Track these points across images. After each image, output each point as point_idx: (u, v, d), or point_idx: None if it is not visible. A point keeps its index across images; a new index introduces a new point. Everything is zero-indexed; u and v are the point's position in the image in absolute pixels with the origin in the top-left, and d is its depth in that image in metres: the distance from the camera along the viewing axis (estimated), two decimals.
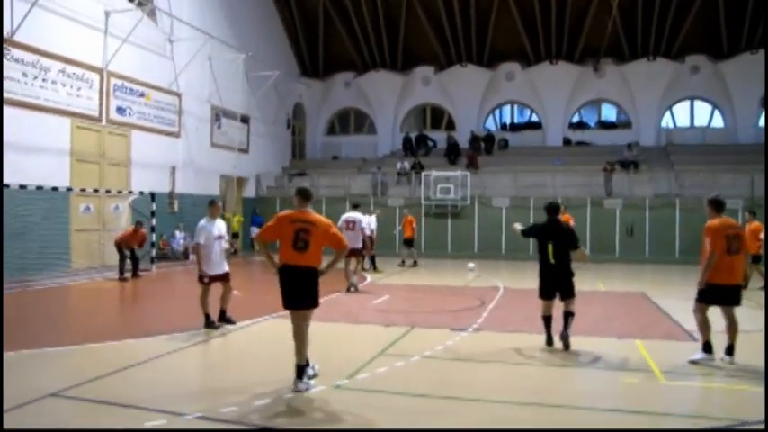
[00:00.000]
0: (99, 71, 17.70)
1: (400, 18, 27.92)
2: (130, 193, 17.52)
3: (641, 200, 23.15)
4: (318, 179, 26.06)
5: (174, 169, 20.92)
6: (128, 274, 15.42)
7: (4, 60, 14.83)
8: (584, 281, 16.43)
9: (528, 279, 17.21)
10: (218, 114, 23.35)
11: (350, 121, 31.84)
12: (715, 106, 27.91)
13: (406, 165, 26.12)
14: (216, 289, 9.29)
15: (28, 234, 15.02)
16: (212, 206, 9.45)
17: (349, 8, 27.79)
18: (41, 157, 15.90)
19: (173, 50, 20.68)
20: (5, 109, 14.76)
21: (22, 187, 14.21)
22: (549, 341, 8.16)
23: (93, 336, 8.61)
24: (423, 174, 24.44)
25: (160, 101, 20.25)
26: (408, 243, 20.17)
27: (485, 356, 7.77)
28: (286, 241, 6.19)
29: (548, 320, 8.23)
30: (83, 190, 16.44)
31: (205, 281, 9.11)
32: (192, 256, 20.86)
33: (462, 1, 27.01)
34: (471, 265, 18.80)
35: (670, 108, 28.40)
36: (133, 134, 19.12)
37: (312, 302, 6.26)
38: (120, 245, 15.25)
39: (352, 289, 13.28)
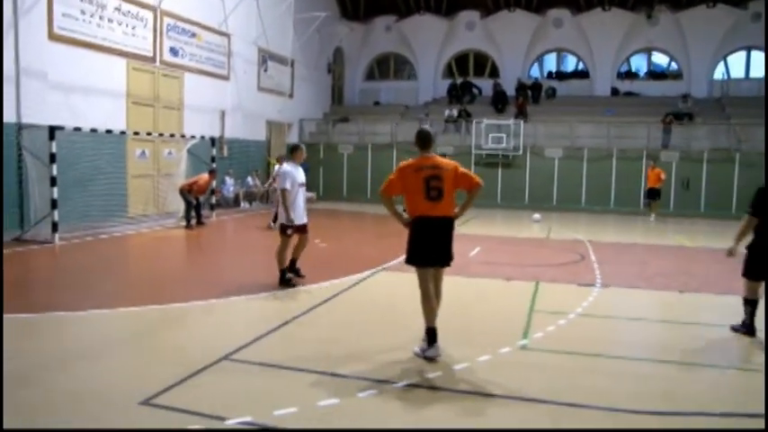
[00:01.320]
0: (152, 9, 16.82)
1: None
2: (193, 137, 16.84)
3: (698, 153, 22.46)
4: (363, 126, 25.34)
5: (223, 113, 20.20)
6: (192, 222, 14.96)
7: None
8: (660, 235, 16.10)
9: (598, 231, 16.79)
10: (265, 57, 22.46)
11: (390, 67, 30.80)
12: None
13: (454, 112, 25.34)
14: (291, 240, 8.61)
15: (92, 180, 14.52)
16: (296, 150, 8.60)
17: None
18: (99, 99, 15.23)
19: None
20: (66, 49, 14.10)
21: (93, 131, 13.58)
22: (752, 330, 6.44)
23: (198, 292, 8.08)
24: (474, 122, 23.67)
25: (210, 42, 19.40)
26: None
27: (643, 314, 7.37)
28: (416, 192, 5.54)
29: (754, 306, 6.48)
30: (151, 134, 15.88)
31: (289, 232, 8.44)
32: (244, 203, 20.47)
33: None
34: (537, 216, 18.34)
35: (724, 58, 27.33)
36: (186, 76, 18.35)
37: (451, 257, 5.72)
38: (190, 192, 14.71)
39: None
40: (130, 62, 16.20)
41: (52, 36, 13.84)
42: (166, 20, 17.40)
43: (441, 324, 5.66)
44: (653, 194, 20.13)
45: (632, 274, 10.06)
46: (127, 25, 16.02)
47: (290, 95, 24.40)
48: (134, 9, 16.19)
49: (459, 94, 27.46)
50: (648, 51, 28.22)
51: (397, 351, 5.68)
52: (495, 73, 29.00)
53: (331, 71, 28.25)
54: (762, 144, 22.15)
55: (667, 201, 22.46)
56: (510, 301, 7.88)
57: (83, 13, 14.63)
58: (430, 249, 5.59)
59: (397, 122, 25.31)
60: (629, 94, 27.43)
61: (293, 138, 25.09)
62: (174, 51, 17.80)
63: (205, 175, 15.29)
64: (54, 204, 12.06)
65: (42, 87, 13.52)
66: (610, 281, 9.33)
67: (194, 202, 14.81)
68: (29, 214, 12.68)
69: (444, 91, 28.54)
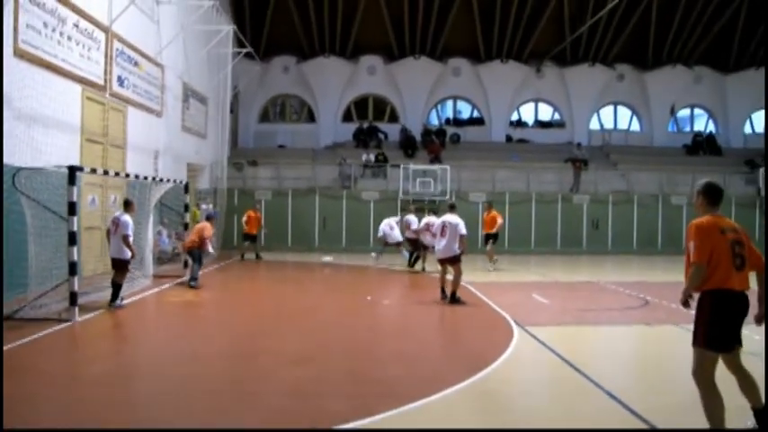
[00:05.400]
0: (105, 30, 14.31)
1: (359, 4, 26.42)
2: (174, 181, 14.30)
3: (604, 195, 24.50)
4: (281, 170, 23.87)
5: (157, 153, 17.66)
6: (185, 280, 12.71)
7: (28, 4, 11.35)
8: (632, 272, 17.02)
9: (587, 271, 17.19)
10: (188, 94, 20.20)
11: (286, 109, 29.46)
12: (634, 112, 30.47)
13: (371, 157, 24.91)
14: None
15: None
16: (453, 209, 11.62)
17: None
18: (58, 133, 12.40)
19: (159, 14, 17.42)
20: (29, 70, 11.32)
21: (105, 173, 10.98)
22: None
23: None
24: (401, 166, 23.44)
25: (150, 73, 16.96)
26: (252, 238, 19.70)
27: None
28: (722, 259, 4.56)
29: None
30: (159, 179, 13.41)
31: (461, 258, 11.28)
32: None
33: None
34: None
35: (597, 111, 30.39)
36: (129, 111, 15.78)
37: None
38: (201, 246, 12.48)
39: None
40: (85, 90, 13.52)
41: (17, 51, 11.06)
42: (116, 44, 14.88)
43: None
44: (490, 237, 18.27)
45: None
46: (83, 46, 13.39)
47: (204, 136, 22.17)
48: (90, 27, 13.60)
49: (366, 138, 27.11)
50: (536, 102, 30.40)
51: None
52: (394, 118, 29.12)
53: (232, 111, 26.27)
54: (648, 186, 24.98)
55: (580, 240, 24.17)
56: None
57: (45, 26, 11.93)
58: (734, 331, 4.62)
59: (317, 167, 24.25)
60: (521, 140, 29.16)
61: (205, 183, 22.74)
62: (120, 81, 15.23)
63: (207, 224, 13.02)
64: (72, 269, 9.27)
65: (8, 117, 10.66)
66: None
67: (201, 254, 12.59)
68: (22, 282, 9.64)
69: (345, 135, 27.99)
